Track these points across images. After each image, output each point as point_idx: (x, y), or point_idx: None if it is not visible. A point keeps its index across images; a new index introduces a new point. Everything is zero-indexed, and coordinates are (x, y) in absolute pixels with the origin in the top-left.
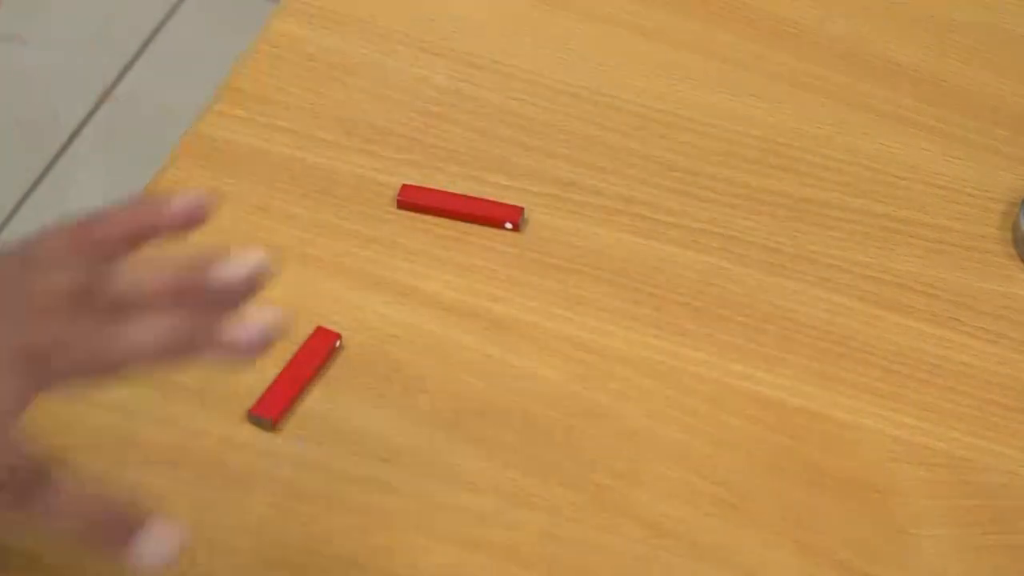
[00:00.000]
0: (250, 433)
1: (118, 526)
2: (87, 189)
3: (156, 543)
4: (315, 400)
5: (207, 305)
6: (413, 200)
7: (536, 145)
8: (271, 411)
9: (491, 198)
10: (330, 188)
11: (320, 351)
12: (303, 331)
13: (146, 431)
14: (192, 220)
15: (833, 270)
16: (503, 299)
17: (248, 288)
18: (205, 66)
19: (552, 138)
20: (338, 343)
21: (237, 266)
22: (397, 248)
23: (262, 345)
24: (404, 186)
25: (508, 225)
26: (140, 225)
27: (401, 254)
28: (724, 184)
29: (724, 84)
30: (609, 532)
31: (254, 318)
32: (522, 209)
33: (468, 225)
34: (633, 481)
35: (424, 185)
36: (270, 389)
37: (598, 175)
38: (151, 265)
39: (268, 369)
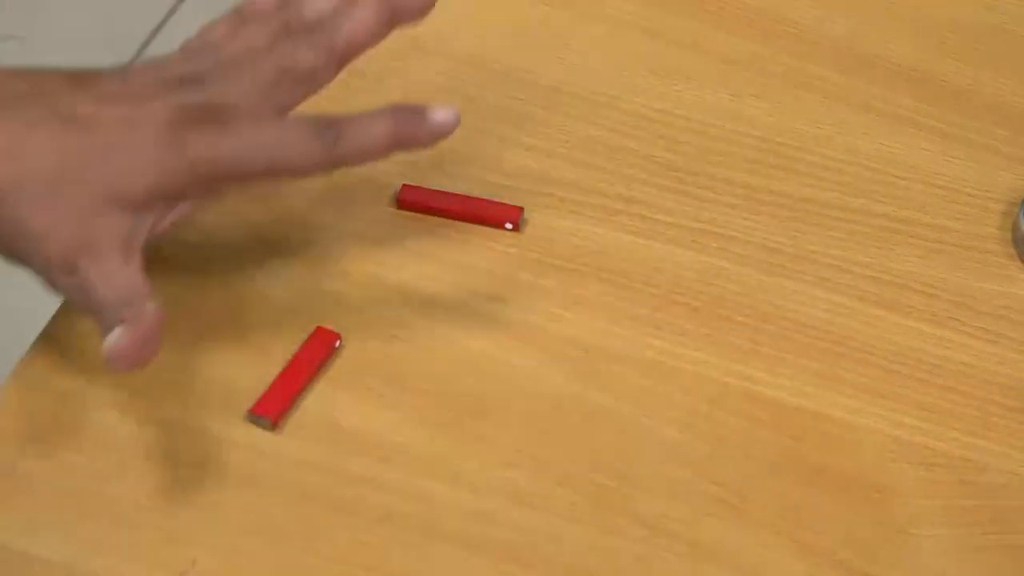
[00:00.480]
0: (250, 433)
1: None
2: None
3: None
4: (315, 400)
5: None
6: (413, 200)
7: (535, 145)
8: (271, 411)
9: (491, 198)
10: (330, 188)
11: (320, 351)
12: (303, 331)
13: (146, 431)
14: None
15: (833, 270)
16: (503, 299)
17: None
18: None
19: (551, 138)
20: (338, 343)
21: None
22: (397, 248)
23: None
24: (404, 186)
25: (508, 225)
26: None
27: (401, 254)
28: (723, 184)
29: (723, 84)
30: (609, 532)
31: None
32: (522, 209)
33: (468, 225)
34: (633, 481)
35: (424, 185)
36: (270, 389)
37: (597, 175)
38: None
39: (268, 369)
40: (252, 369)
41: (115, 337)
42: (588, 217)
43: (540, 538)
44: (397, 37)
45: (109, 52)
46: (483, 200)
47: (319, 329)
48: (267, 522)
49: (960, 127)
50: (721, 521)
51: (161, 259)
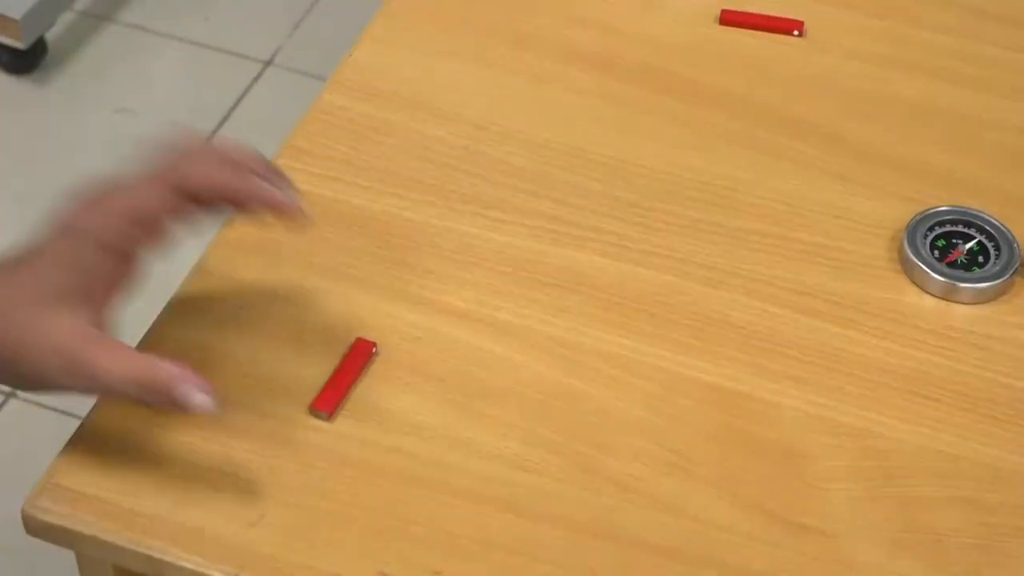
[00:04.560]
0: (307, 415)
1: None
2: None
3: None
4: (357, 389)
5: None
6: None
7: (527, 188)
8: (326, 405)
9: (491, 229)
10: (367, 223)
11: (360, 357)
12: (347, 338)
13: (228, 414)
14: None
15: (759, 283)
16: (503, 308)
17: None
18: (273, 129)
19: (539, 183)
20: (375, 350)
21: None
22: (420, 269)
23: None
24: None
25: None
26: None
27: (423, 273)
28: (673, 217)
29: (672, 140)
30: (586, 489)
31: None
32: None
33: (476, 249)
34: (605, 449)
35: (439, 219)
36: (324, 389)
37: (575, 211)
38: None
39: (323, 368)
40: (309, 368)
41: (200, 401)
42: (567, 244)
43: (533, 493)
44: (417, 105)
45: (200, 120)
46: None
47: (358, 339)
48: (320, 485)
49: (857, 171)
50: (675, 480)
51: (235, 277)
